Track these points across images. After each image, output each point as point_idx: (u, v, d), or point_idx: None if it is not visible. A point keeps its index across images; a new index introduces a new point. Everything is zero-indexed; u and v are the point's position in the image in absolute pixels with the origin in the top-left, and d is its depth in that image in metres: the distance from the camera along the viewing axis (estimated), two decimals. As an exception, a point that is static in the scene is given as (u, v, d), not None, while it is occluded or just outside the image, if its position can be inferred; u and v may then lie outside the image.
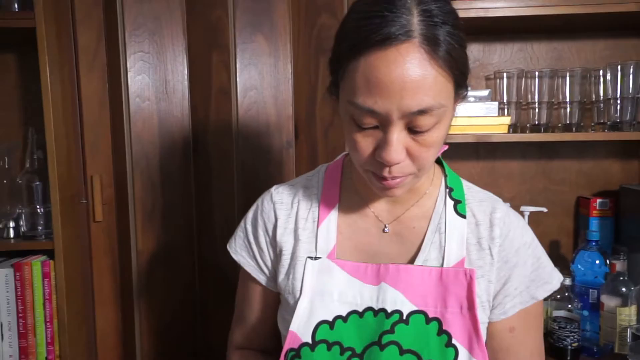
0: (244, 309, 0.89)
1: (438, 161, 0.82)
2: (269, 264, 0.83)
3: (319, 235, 0.78)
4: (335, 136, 1.38)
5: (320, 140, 1.39)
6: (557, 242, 1.48)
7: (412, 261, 0.75)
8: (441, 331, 0.70)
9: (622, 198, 1.39)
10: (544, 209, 1.34)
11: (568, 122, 1.36)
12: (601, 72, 1.34)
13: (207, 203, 1.40)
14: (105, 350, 1.44)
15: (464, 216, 0.76)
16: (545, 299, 0.77)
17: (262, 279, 0.84)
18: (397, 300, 0.72)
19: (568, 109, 1.36)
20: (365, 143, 0.65)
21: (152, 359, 1.41)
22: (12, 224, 1.32)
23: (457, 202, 0.77)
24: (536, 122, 1.38)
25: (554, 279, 0.76)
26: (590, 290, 1.24)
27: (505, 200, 0.80)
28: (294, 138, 1.39)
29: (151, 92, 1.36)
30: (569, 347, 1.14)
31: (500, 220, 0.75)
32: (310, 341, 0.72)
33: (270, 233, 0.82)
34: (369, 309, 0.73)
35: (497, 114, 1.30)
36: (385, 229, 0.77)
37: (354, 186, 0.80)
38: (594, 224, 1.37)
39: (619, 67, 1.30)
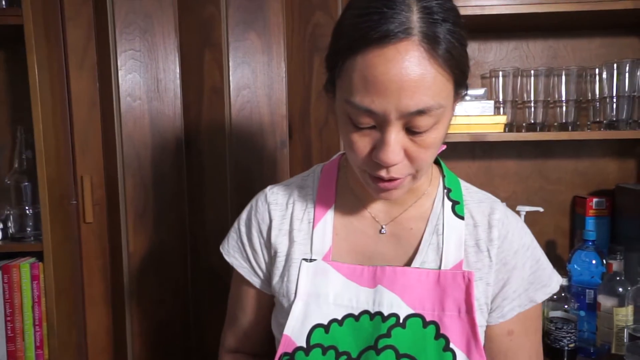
0: (236, 312, 0.87)
1: (436, 161, 0.81)
2: (263, 266, 0.81)
3: (314, 237, 0.76)
4: (330, 136, 1.37)
5: (314, 140, 1.37)
6: (553, 241, 1.47)
7: (409, 263, 0.74)
8: (439, 335, 0.69)
9: (619, 197, 1.39)
10: (540, 209, 1.34)
11: (564, 121, 1.36)
12: (597, 70, 1.33)
13: (200, 204, 1.38)
14: (96, 354, 1.42)
15: (462, 217, 0.74)
16: (543, 300, 0.76)
17: (255, 282, 0.82)
18: (393, 304, 0.71)
19: (564, 108, 1.36)
20: (362, 143, 0.63)
21: (144, 362, 1.39)
22: (0, 226, 1.29)
23: (455, 203, 0.76)
24: (532, 121, 1.37)
25: (553, 282, 0.76)
26: (587, 290, 1.23)
27: (501, 200, 0.79)
28: (288, 138, 1.37)
29: (142, 91, 1.34)
30: (566, 347, 1.13)
31: (499, 221, 0.74)
32: (304, 345, 0.71)
33: (265, 234, 0.80)
34: (365, 312, 0.72)
35: (492, 113, 1.29)
36: (382, 230, 0.76)
37: (350, 186, 0.79)
38: (590, 224, 1.37)
39: (615, 65, 1.29)
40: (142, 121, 1.35)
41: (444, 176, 0.79)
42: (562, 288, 1.19)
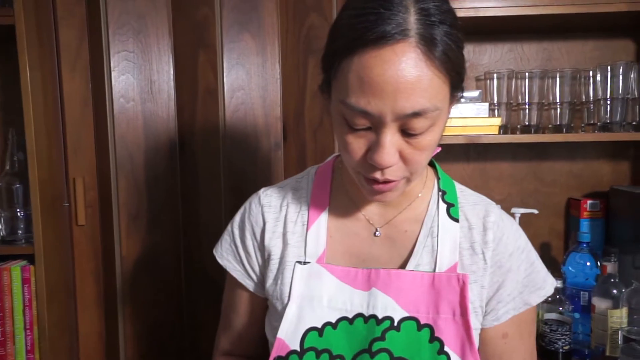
0: (230, 315, 0.87)
1: (431, 163, 0.80)
2: (257, 269, 0.81)
3: (308, 239, 0.76)
4: (324, 138, 1.36)
5: (309, 141, 1.37)
6: (548, 243, 1.47)
7: (403, 266, 0.73)
8: (433, 338, 0.69)
9: (613, 199, 1.39)
10: (535, 211, 1.33)
11: (558, 123, 1.36)
12: (591, 73, 1.34)
13: (194, 206, 1.37)
14: (88, 358, 1.40)
15: (457, 220, 0.74)
16: (538, 303, 0.75)
17: (249, 285, 0.82)
18: (388, 306, 0.70)
19: (558, 110, 1.36)
20: (357, 144, 0.63)
21: (137, 366, 1.38)
22: (-9, 228, 1.28)
23: (450, 206, 0.75)
24: (526, 123, 1.38)
25: (548, 285, 0.75)
26: (582, 292, 1.23)
27: (495, 202, 0.79)
28: (283, 139, 1.37)
29: (136, 92, 1.33)
30: (561, 350, 1.13)
31: (494, 224, 0.74)
32: (298, 348, 0.71)
33: (258, 237, 0.79)
34: (359, 315, 0.71)
35: (487, 115, 1.29)
36: (377, 233, 0.76)
37: (345, 188, 0.79)
38: (585, 226, 1.37)
39: (609, 67, 1.29)
40: (136, 122, 1.34)
41: (438, 178, 0.79)
42: (556, 290, 1.19)
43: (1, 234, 1.29)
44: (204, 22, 1.33)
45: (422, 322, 0.70)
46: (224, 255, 0.83)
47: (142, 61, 1.33)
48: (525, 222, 1.34)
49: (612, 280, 1.15)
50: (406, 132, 0.61)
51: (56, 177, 1.33)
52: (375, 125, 0.61)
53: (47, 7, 1.29)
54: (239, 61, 1.34)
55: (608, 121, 1.30)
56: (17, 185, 1.30)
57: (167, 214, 1.37)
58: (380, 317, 0.70)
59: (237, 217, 0.83)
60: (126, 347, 1.37)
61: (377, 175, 0.64)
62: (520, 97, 1.38)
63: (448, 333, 0.69)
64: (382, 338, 0.69)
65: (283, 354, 0.71)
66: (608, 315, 1.12)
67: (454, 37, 0.60)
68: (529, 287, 0.74)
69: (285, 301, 0.74)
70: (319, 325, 0.71)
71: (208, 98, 1.35)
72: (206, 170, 1.37)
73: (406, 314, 0.70)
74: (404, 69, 0.57)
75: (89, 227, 1.38)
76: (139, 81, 1.33)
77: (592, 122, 1.35)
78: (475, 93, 1.35)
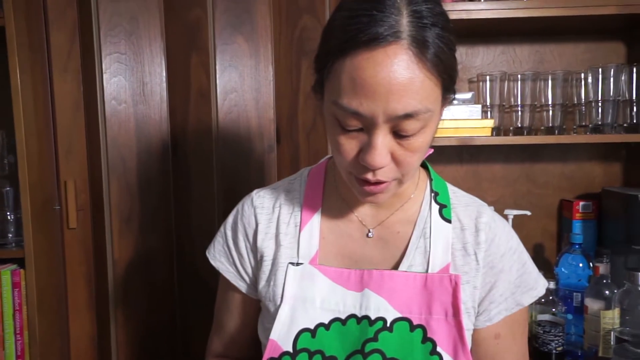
0: (223, 317, 0.86)
1: (423, 165, 0.81)
2: (249, 270, 0.80)
3: (301, 241, 0.76)
4: (317, 140, 1.36)
5: (302, 143, 1.37)
6: (540, 245, 1.48)
7: (396, 267, 0.73)
8: (426, 339, 0.69)
9: (605, 200, 1.40)
10: (528, 212, 1.34)
11: (550, 124, 1.37)
12: (582, 75, 1.35)
13: (186, 209, 1.37)
14: (80, 362, 1.39)
15: (449, 221, 0.74)
16: (530, 303, 0.76)
17: (242, 287, 0.81)
18: (380, 307, 0.70)
19: (550, 112, 1.37)
20: (350, 146, 0.63)
21: (129, 370, 1.37)
22: (-19, 232, 1.27)
23: (443, 207, 0.75)
24: (519, 125, 1.38)
25: (539, 285, 0.76)
26: (574, 293, 1.24)
27: (488, 204, 0.79)
28: (276, 141, 1.36)
29: (128, 94, 1.33)
30: (554, 351, 1.14)
31: (486, 225, 0.74)
32: (291, 350, 0.70)
33: (251, 239, 0.79)
34: (352, 316, 0.71)
35: (480, 117, 1.30)
36: (369, 234, 0.76)
37: (338, 190, 0.78)
38: (577, 227, 1.38)
39: (600, 70, 1.30)
40: (128, 125, 1.33)
41: (431, 180, 0.79)
42: (549, 291, 1.20)
43: (-9, 238, 1.28)
44: (196, 24, 1.33)
45: (415, 322, 0.70)
46: (217, 256, 0.83)
47: (134, 63, 1.32)
48: (518, 224, 1.34)
49: (605, 281, 1.15)
50: (398, 134, 0.61)
51: (47, 180, 1.31)
52: (367, 127, 0.61)
53: (38, 9, 1.28)
54: (231, 63, 1.34)
55: (599, 123, 1.31)
56: (8, 188, 1.29)
57: (160, 216, 1.36)
58: (373, 318, 0.70)
59: (230, 219, 0.83)
60: (118, 351, 1.36)
61: (369, 176, 0.64)
62: (512, 99, 1.38)
63: (440, 334, 0.69)
64: (374, 339, 0.69)
65: (276, 355, 0.71)
66: (601, 316, 1.12)
67: (446, 40, 0.60)
68: (521, 288, 0.74)
69: (278, 302, 0.74)
70: (312, 327, 0.71)
71: (201, 100, 1.34)
72: (199, 173, 1.36)
73: (399, 315, 0.70)
74: (396, 71, 0.57)
75: (80, 230, 1.36)
76: (131, 83, 1.33)
77: (583, 123, 1.36)
78: (468, 95, 1.35)
